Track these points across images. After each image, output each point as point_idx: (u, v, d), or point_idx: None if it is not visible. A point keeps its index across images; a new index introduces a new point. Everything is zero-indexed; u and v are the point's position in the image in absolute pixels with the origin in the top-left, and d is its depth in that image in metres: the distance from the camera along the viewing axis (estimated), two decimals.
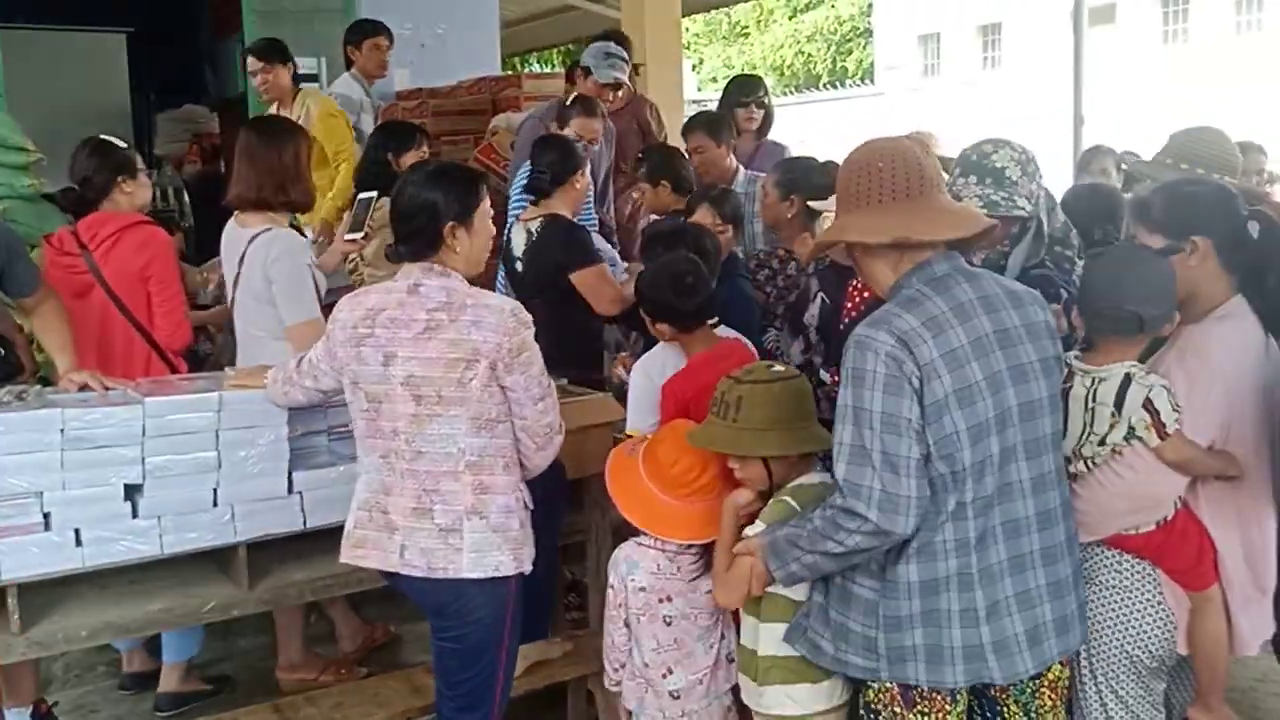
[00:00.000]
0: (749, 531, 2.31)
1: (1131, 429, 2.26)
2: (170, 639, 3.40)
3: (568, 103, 4.52)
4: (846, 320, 2.84)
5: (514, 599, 2.49)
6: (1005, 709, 2.19)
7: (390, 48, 5.62)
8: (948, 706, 2.10)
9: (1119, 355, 2.30)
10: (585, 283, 3.58)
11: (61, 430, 2.57)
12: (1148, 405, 2.24)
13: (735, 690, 2.53)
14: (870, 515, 1.95)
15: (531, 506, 2.53)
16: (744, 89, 5.02)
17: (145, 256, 3.39)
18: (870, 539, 1.97)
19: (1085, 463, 2.32)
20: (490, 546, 2.42)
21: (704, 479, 2.48)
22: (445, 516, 2.42)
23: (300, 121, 4.90)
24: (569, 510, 3.13)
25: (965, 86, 20.34)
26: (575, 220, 3.81)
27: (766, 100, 5.01)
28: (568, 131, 4.28)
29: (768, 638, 2.32)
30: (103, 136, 3.52)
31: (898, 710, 2.11)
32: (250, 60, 5.07)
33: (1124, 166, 4.11)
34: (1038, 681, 2.18)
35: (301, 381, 2.68)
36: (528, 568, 2.48)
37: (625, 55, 5.15)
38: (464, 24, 7.12)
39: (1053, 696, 2.21)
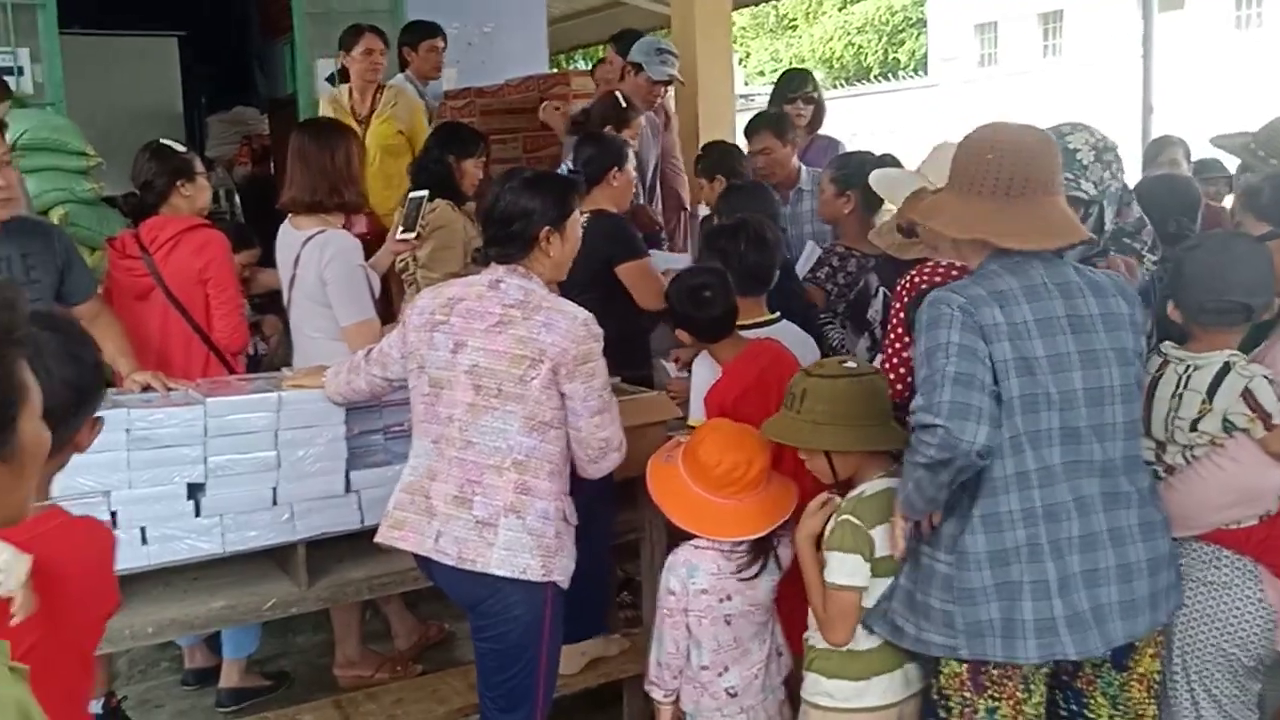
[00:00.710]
0: (829, 578, 2.30)
1: (1229, 421, 2.21)
2: (230, 635, 3.45)
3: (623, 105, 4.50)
4: (898, 317, 2.81)
5: (553, 602, 2.49)
6: (1091, 700, 2.17)
7: (445, 49, 5.61)
8: (1019, 694, 2.09)
9: (1221, 344, 2.29)
10: (630, 276, 3.59)
11: (127, 430, 2.61)
12: (1247, 396, 2.19)
13: (787, 682, 2.52)
14: (939, 421, 1.97)
15: (575, 522, 2.53)
16: (792, 83, 4.98)
17: (203, 259, 3.44)
18: (943, 450, 1.97)
19: (1184, 454, 2.27)
20: (522, 548, 2.43)
21: (751, 473, 2.47)
22: (484, 509, 2.44)
23: (388, 110, 4.97)
24: (619, 508, 3.12)
25: (1024, 77, 19.95)
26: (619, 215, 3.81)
27: (816, 94, 4.95)
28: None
29: (814, 627, 2.36)
30: (162, 141, 3.57)
31: (967, 695, 2.12)
32: (371, 38, 5.03)
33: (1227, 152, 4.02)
34: (1127, 674, 2.15)
35: (369, 370, 2.72)
36: (558, 578, 2.48)
37: (676, 51, 5.13)
38: (511, 22, 7.13)
39: (1143, 691, 2.18)
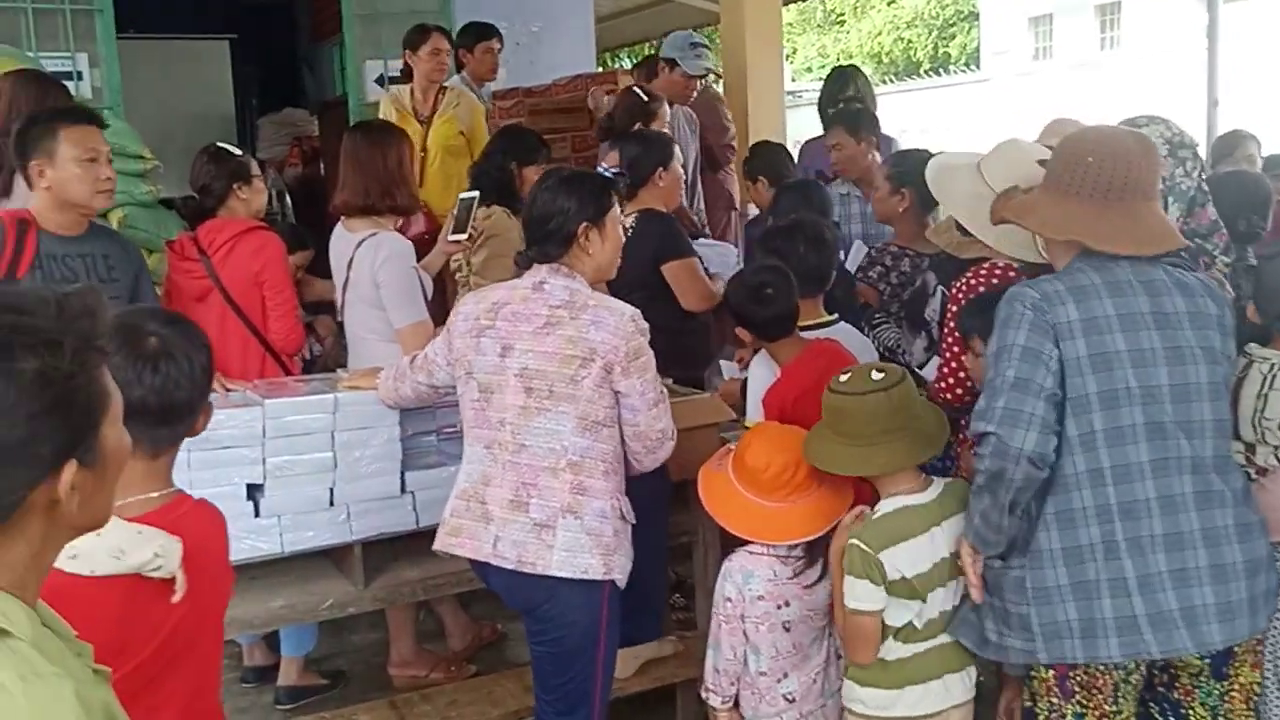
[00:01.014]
0: (845, 601, 2.29)
1: None
2: (288, 634, 3.49)
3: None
4: (954, 321, 2.76)
5: (609, 604, 2.48)
6: (1190, 712, 2.13)
7: (501, 50, 5.59)
8: (1106, 706, 2.05)
9: None
10: (675, 275, 3.57)
11: None
12: None
13: None
14: (991, 428, 2.01)
15: (632, 520, 2.52)
16: (840, 82, 4.92)
17: (260, 262, 3.47)
18: (996, 458, 2.01)
19: (1276, 454, 2.22)
20: (581, 548, 2.42)
21: (799, 476, 2.45)
22: (541, 512, 2.43)
23: (450, 111, 5.00)
24: (672, 510, 3.11)
25: (1081, 70, 19.54)
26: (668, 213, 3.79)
27: (865, 92, 4.89)
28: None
29: None
30: (219, 144, 3.61)
31: (1055, 701, 2.11)
32: (438, 38, 5.04)
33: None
34: (1227, 684, 2.11)
35: (415, 376, 2.72)
36: (618, 577, 2.47)
37: (709, 44, 5.11)
38: (558, 21, 7.13)
39: (1243, 702, 2.13)
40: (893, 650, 2.29)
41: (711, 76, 5.25)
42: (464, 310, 2.60)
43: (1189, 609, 2.01)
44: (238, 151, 3.64)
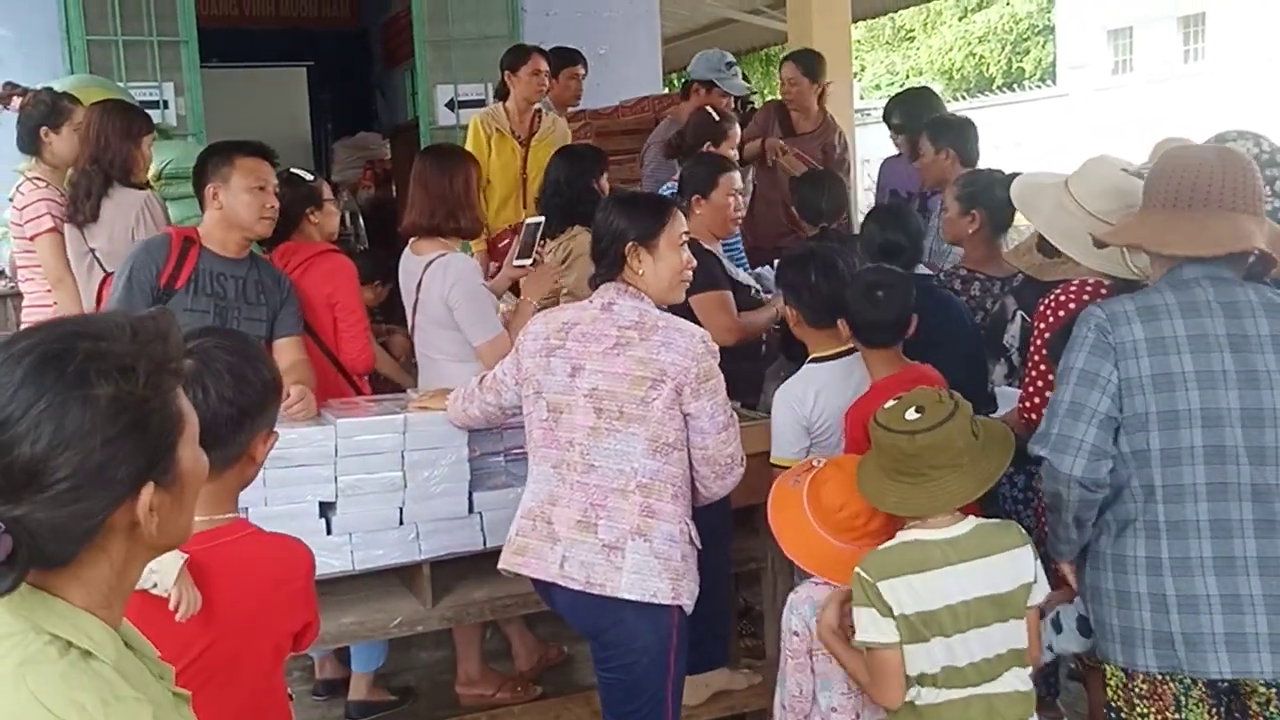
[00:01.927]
0: (858, 637, 2.20)
1: None
2: (359, 650, 3.53)
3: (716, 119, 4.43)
4: (1041, 339, 2.69)
5: (677, 630, 2.46)
6: None
7: (586, 76, 5.58)
8: (1169, 714, 2.05)
9: None
10: (700, 308, 3.47)
11: None
12: None
13: None
14: (1044, 452, 2.10)
15: (699, 545, 2.50)
16: (886, 110, 4.85)
17: (332, 284, 3.54)
18: (1052, 482, 2.10)
19: None
20: (650, 572, 2.41)
21: (873, 524, 2.36)
22: (609, 533, 2.42)
23: (547, 133, 5.06)
24: (738, 536, 3.09)
25: (1163, 84, 19.01)
26: (716, 241, 3.75)
27: (901, 124, 4.72)
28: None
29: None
30: (292, 170, 3.70)
31: (1120, 704, 2.15)
32: (538, 59, 5.07)
33: None
34: None
35: (483, 397, 2.74)
36: (686, 602, 2.45)
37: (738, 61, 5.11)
38: (625, 44, 7.20)
39: None
40: (922, 695, 2.18)
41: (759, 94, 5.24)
42: (533, 330, 2.62)
43: (1237, 635, 1.99)
44: (310, 176, 3.73)
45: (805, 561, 2.44)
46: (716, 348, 2.48)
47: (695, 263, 2.65)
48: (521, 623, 3.76)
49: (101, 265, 3.83)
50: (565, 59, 5.48)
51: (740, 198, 3.80)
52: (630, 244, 2.51)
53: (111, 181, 3.82)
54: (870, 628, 2.15)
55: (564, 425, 2.50)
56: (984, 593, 2.17)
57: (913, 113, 4.61)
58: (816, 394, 2.85)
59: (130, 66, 6.11)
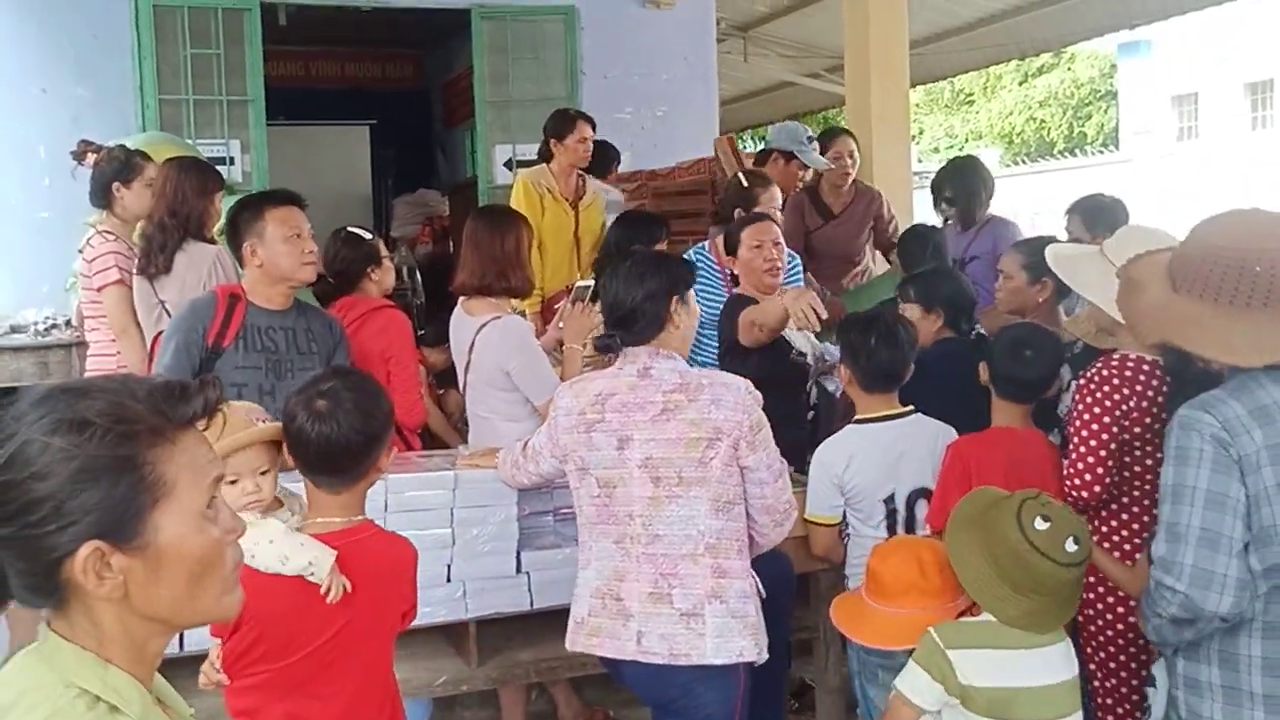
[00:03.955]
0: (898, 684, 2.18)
1: None
2: (406, 706, 3.49)
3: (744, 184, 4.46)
4: (1089, 413, 2.61)
5: (743, 695, 2.41)
6: None
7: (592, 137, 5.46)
8: None
9: None
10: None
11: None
12: None
13: None
14: (1180, 588, 1.88)
15: (764, 595, 2.47)
16: (934, 188, 4.76)
17: (386, 339, 3.57)
18: (1184, 612, 1.90)
19: None
20: (732, 632, 2.37)
21: (934, 582, 2.31)
22: (685, 601, 2.38)
23: (594, 198, 5.12)
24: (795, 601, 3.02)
25: (1229, 151, 18.72)
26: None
27: (955, 197, 4.66)
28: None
29: None
30: (350, 229, 3.78)
31: None
32: (587, 126, 5.13)
33: None
34: None
35: (526, 466, 2.73)
36: (766, 655, 2.41)
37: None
38: (683, 105, 7.27)
39: None
40: None
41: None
42: (563, 404, 2.57)
43: None
44: (368, 235, 3.80)
45: (870, 637, 2.38)
46: (760, 396, 2.45)
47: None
48: (568, 685, 3.70)
49: (170, 316, 3.90)
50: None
51: (772, 248, 3.73)
52: (675, 299, 2.51)
53: (186, 236, 3.91)
54: (912, 681, 2.14)
55: (619, 499, 2.46)
56: (1063, 678, 2.16)
57: (963, 187, 4.62)
58: (851, 457, 2.84)
59: (199, 124, 6.31)
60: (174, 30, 6.26)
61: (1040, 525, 2.11)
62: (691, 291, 2.59)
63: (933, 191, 4.79)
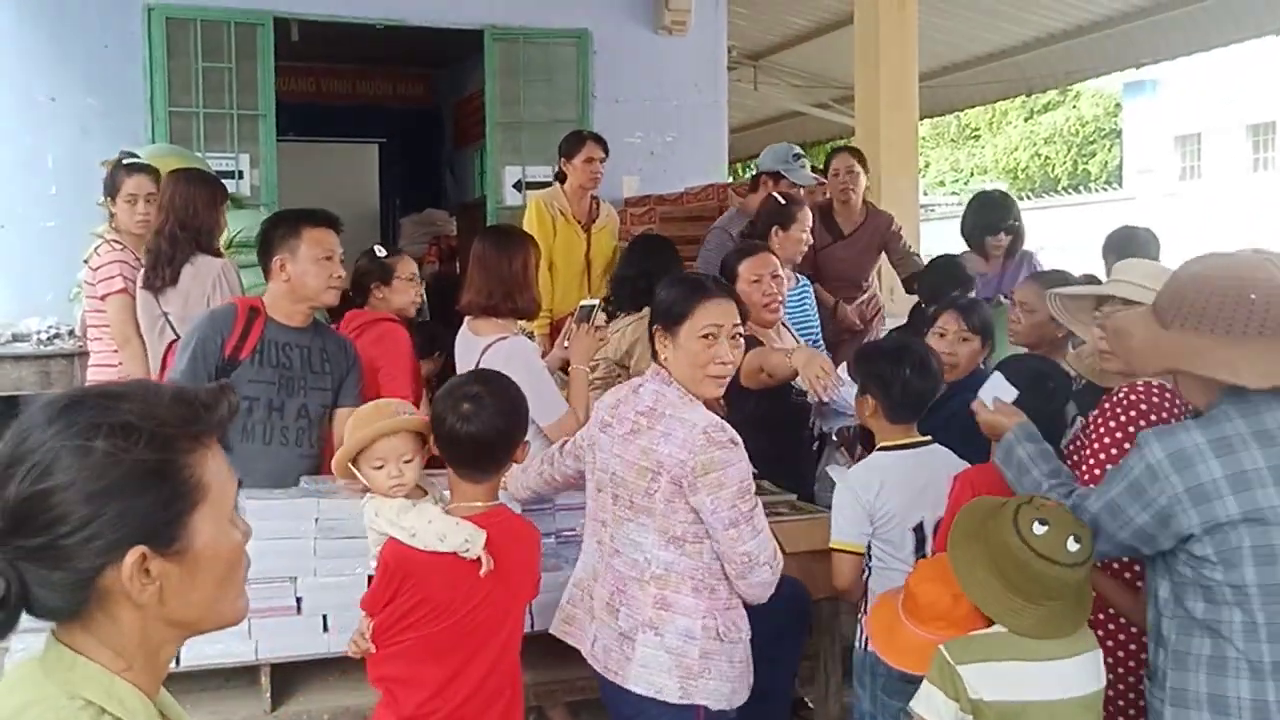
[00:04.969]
0: (913, 705, 2.14)
1: None
2: None
3: (783, 203, 4.43)
4: (1099, 443, 2.59)
5: None
6: None
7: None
8: None
9: None
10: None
11: (316, 519, 2.69)
12: None
13: None
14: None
15: (741, 637, 2.39)
16: (997, 213, 4.73)
17: (379, 349, 3.59)
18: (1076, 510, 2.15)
19: None
20: (659, 666, 2.32)
21: (961, 610, 2.24)
22: (626, 621, 2.39)
23: (607, 220, 5.19)
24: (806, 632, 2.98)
25: (1230, 192, 18.85)
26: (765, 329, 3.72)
27: (1018, 225, 4.72)
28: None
29: None
30: (374, 247, 3.92)
31: None
32: (595, 147, 5.18)
33: None
34: None
35: (564, 461, 2.73)
36: (703, 701, 2.33)
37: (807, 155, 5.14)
38: (692, 132, 7.29)
39: None
40: None
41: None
42: (604, 400, 2.62)
43: None
44: (383, 253, 3.87)
45: (896, 658, 2.33)
46: (727, 438, 2.34)
47: (730, 360, 2.48)
48: (566, 709, 3.65)
49: (174, 329, 3.89)
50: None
51: (771, 281, 3.69)
52: (657, 327, 2.49)
53: (196, 249, 3.91)
54: (928, 702, 2.11)
55: (600, 504, 2.50)
56: (1078, 693, 2.11)
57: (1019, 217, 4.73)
58: (883, 483, 2.77)
59: (209, 137, 6.32)
60: (186, 43, 6.28)
61: (1039, 530, 2.09)
62: (685, 328, 2.47)
63: (986, 216, 4.73)
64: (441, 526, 2.32)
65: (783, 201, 4.42)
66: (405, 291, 3.87)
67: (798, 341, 3.86)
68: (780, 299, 3.73)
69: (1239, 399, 1.97)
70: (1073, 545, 2.08)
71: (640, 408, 2.43)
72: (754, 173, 5.62)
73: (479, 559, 2.30)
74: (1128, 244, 3.86)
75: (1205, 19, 8.00)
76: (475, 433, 2.35)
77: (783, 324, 3.89)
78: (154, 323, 3.96)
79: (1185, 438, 1.98)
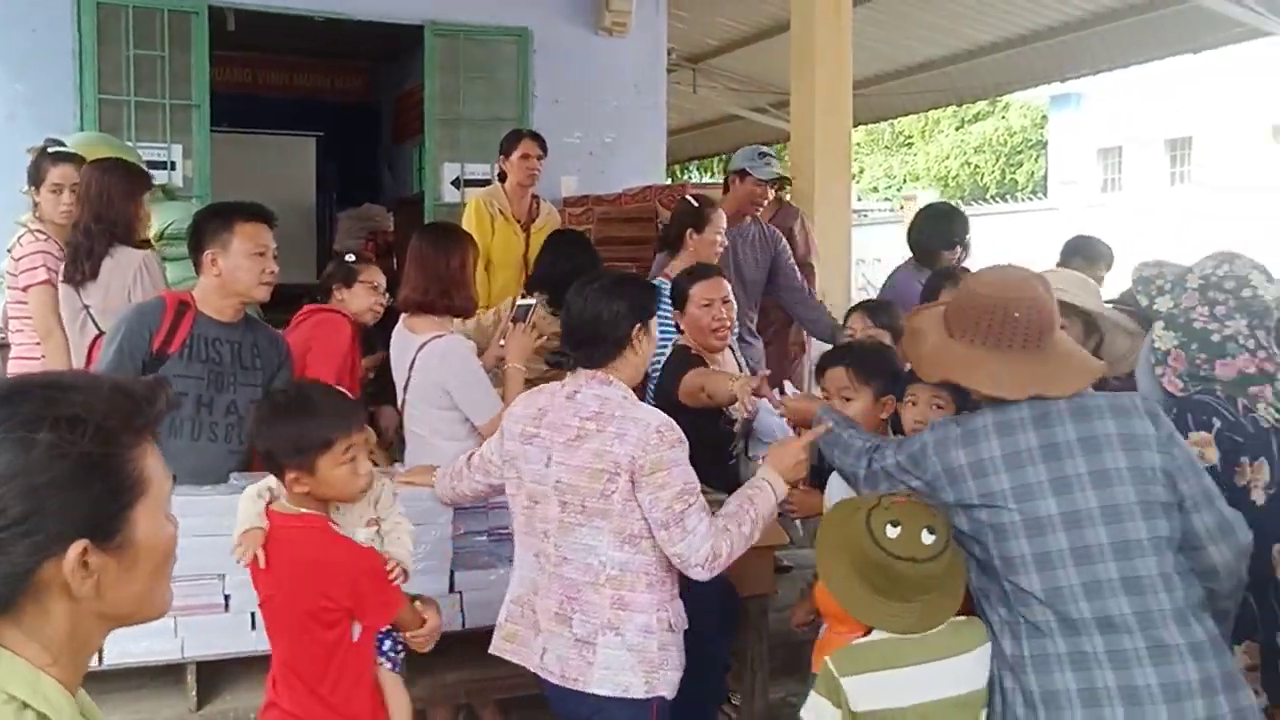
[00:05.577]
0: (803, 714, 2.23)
1: None
2: None
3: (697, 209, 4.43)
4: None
5: (657, 718, 2.40)
6: None
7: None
8: None
9: None
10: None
11: None
12: None
13: None
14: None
15: (683, 626, 2.45)
16: (954, 227, 4.80)
17: (315, 333, 3.62)
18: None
19: None
20: (622, 666, 2.36)
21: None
22: (583, 627, 2.39)
23: (547, 220, 5.15)
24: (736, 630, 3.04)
25: (1149, 203, 19.45)
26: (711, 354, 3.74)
27: (969, 240, 4.81)
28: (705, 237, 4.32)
29: None
30: (349, 252, 4.02)
31: None
32: (530, 144, 5.17)
33: None
34: None
35: (473, 476, 2.72)
36: (664, 692, 2.39)
37: (776, 155, 5.17)
38: (631, 133, 7.33)
39: None
40: None
41: (784, 188, 5.29)
42: (515, 413, 2.60)
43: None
44: (351, 259, 3.93)
45: (815, 660, 2.39)
46: (675, 438, 2.38)
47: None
48: (496, 707, 3.67)
49: (95, 323, 3.81)
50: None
51: (722, 306, 3.66)
52: (639, 326, 2.50)
53: (114, 241, 3.83)
54: (815, 712, 2.19)
55: (539, 515, 2.47)
56: (950, 693, 2.15)
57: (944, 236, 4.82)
58: None
59: (141, 126, 6.20)
60: (117, 30, 6.14)
61: (892, 532, 2.15)
62: (654, 319, 2.58)
63: (941, 230, 4.81)
64: (242, 513, 2.35)
65: (696, 204, 4.46)
66: (363, 297, 3.87)
67: (740, 368, 3.91)
68: (729, 324, 3.72)
69: (998, 404, 2.19)
70: (927, 538, 2.14)
71: (585, 414, 2.43)
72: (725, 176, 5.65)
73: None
74: (1095, 248, 4.18)
75: (1127, 36, 8.27)
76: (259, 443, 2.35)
77: (730, 347, 3.90)
78: (75, 316, 3.88)
79: (942, 431, 2.25)
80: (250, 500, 2.36)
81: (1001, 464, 2.15)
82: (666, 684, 2.40)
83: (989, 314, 2.21)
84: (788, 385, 3.18)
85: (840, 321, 4.32)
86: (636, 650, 2.37)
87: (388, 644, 2.55)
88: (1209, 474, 2.26)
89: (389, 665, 2.53)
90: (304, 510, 2.33)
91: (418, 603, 2.48)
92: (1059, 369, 2.20)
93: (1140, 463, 2.12)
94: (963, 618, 2.25)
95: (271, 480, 2.38)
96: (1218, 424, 2.44)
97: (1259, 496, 2.40)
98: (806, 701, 2.21)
